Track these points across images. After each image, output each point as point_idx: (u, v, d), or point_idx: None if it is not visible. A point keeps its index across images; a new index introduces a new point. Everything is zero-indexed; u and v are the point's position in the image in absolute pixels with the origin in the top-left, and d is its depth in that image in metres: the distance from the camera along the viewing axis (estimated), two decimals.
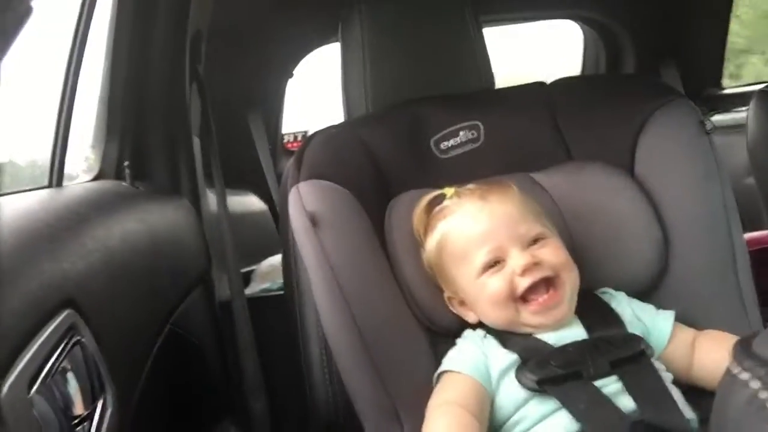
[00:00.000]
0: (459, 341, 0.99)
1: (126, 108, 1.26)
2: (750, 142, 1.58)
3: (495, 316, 0.96)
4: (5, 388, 0.53)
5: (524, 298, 0.94)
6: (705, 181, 1.11)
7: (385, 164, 1.12)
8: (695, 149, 1.12)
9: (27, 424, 0.55)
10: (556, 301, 0.93)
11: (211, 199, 1.52)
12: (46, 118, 1.11)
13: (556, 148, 1.18)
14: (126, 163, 1.22)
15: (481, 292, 0.95)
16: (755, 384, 0.34)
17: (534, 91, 1.24)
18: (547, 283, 0.94)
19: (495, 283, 0.94)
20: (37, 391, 0.58)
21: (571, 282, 0.96)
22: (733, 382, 0.34)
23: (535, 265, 0.93)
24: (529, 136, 1.18)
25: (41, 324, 0.63)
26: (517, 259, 0.93)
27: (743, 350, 0.35)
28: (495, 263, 0.95)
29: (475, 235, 0.96)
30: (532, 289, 0.93)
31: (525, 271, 0.93)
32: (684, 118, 1.13)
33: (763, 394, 0.33)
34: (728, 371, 0.35)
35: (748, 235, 1.14)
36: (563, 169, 1.15)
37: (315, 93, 2.14)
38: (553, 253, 0.95)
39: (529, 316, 0.94)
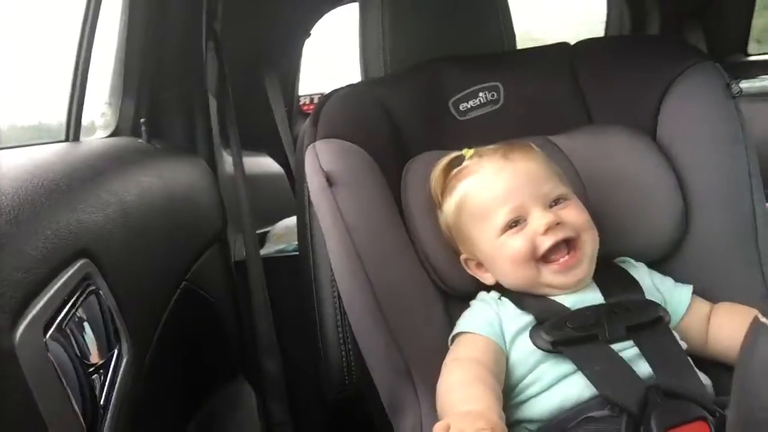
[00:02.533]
0: (473, 303, 0.99)
1: (143, 64, 1.25)
2: None
3: (515, 277, 0.95)
4: (19, 331, 0.53)
5: (545, 258, 0.93)
6: (730, 146, 1.08)
7: (403, 125, 1.11)
8: (720, 113, 1.09)
9: (42, 367, 0.55)
10: (578, 260, 0.93)
11: (226, 160, 1.51)
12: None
13: (578, 111, 1.16)
14: (142, 120, 1.22)
15: (502, 251, 0.95)
16: None
17: (556, 52, 1.21)
18: (568, 244, 0.93)
19: (516, 243, 0.93)
20: (52, 336, 0.58)
21: (591, 243, 0.95)
22: (760, 333, 0.34)
23: (558, 225, 0.92)
24: (550, 98, 1.16)
25: (56, 272, 0.63)
26: (539, 219, 0.92)
27: None
28: (516, 223, 0.94)
29: (497, 193, 0.95)
30: (554, 249, 0.92)
31: (548, 231, 0.92)
32: (710, 80, 1.10)
33: None
34: (755, 321, 0.35)
35: None
36: (584, 133, 1.13)
37: (332, 55, 2.12)
38: (575, 214, 0.94)
39: (549, 276, 0.93)
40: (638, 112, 1.12)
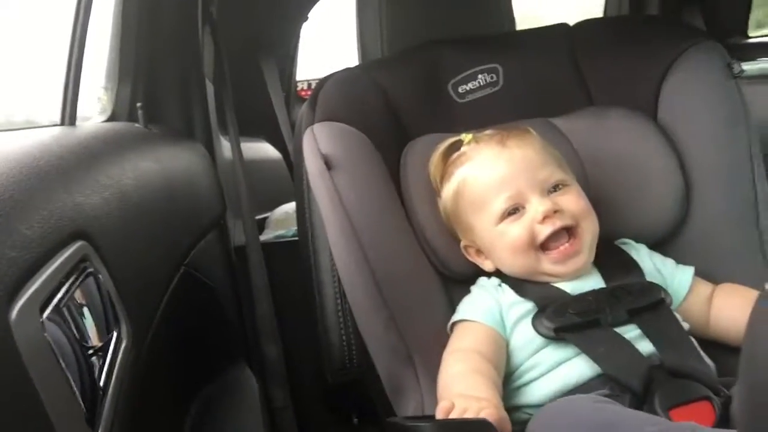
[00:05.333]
0: (473, 289, 0.99)
1: (138, 49, 1.24)
2: None
3: (514, 265, 0.95)
4: (15, 310, 0.53)
5: (544, 246, 0.92)
6: (731, 127, 1.08)
7: (402, 108, 1.10)
8: (722, 93, 1.08)
9: (38, 347, 0.55)
10: (576, 249, 0.92)
11: (224, 145, 1.51)
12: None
13: (578, 93, 1.15)
14: (139, 105, 1.21)
15: (500, 239, 0.94)
16: None
17: (555, 33, 1.20)
18: (568, 231, 0.92)
19: (515, 231, 0.93)
20: (49, 317, 0.58)
21: (590, 231, 0.94)
22: (766, 313, 0.33)
23: (556, 212, 0.91)
24: (550, 79, 1.15)
25: (52, 252, 0.62)
26: (537, 206, 0.92)
27: None
28: (514, 210, 0.93)
29: (494, 181, 0.94)
30: (553, 237, 0.92)
31: (545, 219, 0.91)
32: (711, 60, 1.10)
33: None
34: (760, 299, 0.34)
35: None
36: (584, 115, 1.12)
37: (329, 40, 2.11)
38: (573, 201, 0.93)
39: (548, 265, 0.92)
40: (639, 92, 1.12)
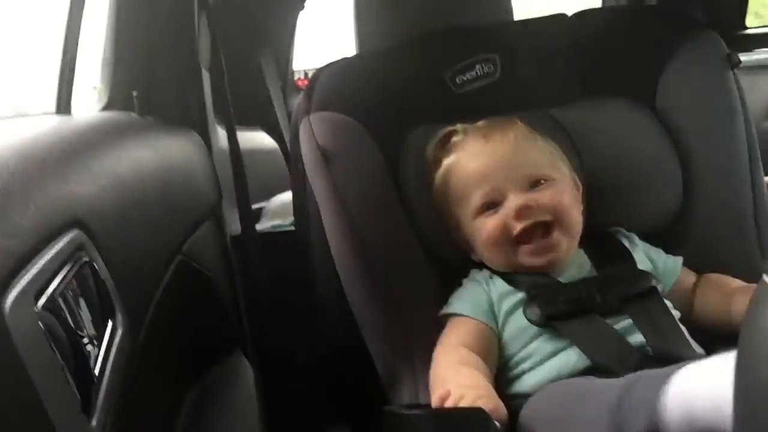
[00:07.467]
0: (465, 281, 0.99)
1: (134, 37, 1.23)
2: None
3: (492, 258, 0.96)
4: (9, 299, 0.53)
5: (520, 240, 0.92)
6: (729, 118, 1.08)
7: (399, 97, 1.09)
8: (720, 84, 1.09)
9: (33, 336, 0.55)
10: (552, 244, 0.92)
11: (220, 134, 1.50)
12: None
13: (576, 83, 1.15)
14: (135, 94, 1.20)
15: (477, 233, 0.95)
16: None
17: (554, 23, 1.20)
18: (545, 226, 0.92)
19: (489, 226, 0.93)
20: (44, 306, 0.57)
21: (570, 226, 0.93)
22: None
23: (530, 208, 0.91)
24: (548, 70, 1.15)
25: (47, 241, 0.62)
26: (512, 202, 0.92)
27: None
28: (492, 205, 0.93)
29: (474, 175, 0.95)
30: (527, 232, 0.91)
31: (519, 215, 0.91)
32: (710, 51, 1.10)
33: None
34: (762, 281, 0.34)
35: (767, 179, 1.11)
36: (582, 105, 1.12)
37: (326, 29, 2.10)
38: (552, 197, 0.93)
39: (524, 257, 0.93)
40: (637, 83, 1.11)
